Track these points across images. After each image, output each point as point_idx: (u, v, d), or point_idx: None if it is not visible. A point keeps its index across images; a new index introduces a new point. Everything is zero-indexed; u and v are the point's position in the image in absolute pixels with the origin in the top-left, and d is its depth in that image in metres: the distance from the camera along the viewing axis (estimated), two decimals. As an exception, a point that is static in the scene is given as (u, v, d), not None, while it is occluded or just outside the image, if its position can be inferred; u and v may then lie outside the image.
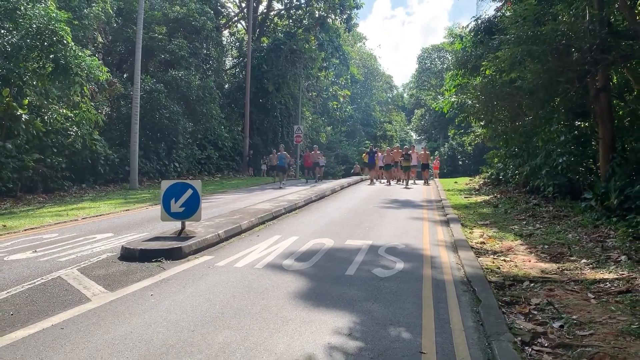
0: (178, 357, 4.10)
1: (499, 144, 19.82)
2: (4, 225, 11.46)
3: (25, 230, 10.97)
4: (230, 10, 44.48)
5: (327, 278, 6.78)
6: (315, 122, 52.32)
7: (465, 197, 18.81)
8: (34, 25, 17.17)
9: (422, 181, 27.85)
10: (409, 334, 4.74)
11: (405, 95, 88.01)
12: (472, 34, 18.49)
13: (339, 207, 15.39)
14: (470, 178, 31.03)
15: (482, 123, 18.51)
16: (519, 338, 4.66)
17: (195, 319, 5.02)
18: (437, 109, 24.07)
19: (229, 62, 44.84)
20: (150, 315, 5.14)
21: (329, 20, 43.50)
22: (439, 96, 47.78)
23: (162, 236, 8.65)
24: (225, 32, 43.91)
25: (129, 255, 7.61)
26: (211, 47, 34.38)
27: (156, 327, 4.80)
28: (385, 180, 27.66)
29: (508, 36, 12.91)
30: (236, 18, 44.73)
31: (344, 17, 44.59)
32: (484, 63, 14.96)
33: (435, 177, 35.02)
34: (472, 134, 40.69)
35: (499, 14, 17.08)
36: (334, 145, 55.28)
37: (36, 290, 6.00)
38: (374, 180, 27.53)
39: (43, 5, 17.58)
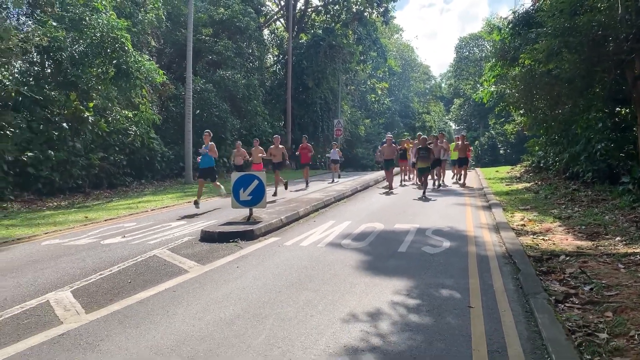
0: (273, 309, 5.15)
1: (538, 132, 20.26)
2: (86, 217, 12.89)
3: (105, 220, 12.34)
4: (269, 8, 45.70)
5: (382, 254, 7.73)
6: (354, 115, 53.09)
7: (506, 185, 19.38)
8: (98, 34, 18.69)
9: (453, 180, 20.87)
10: (458, 294, 5.66)
11: (443, 85, 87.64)
12: (510, 26, 18.94)
13: (383, 196, 16.29)
14: (511, 167, 31.28)
15: (521, 112, 19.01)
16: (553, 297, 5.50)
17: (279, 284, 6.07)
18: (476, 99, 24.54)
19: (269, 59, 46.05)
20: (241, 281, 6.23)
21: (366, 14, 44.12)
22: (478, 85, 47.84)
23: (233, 221, 9.80)
24: (265, 31, 45.16)
25: (208, 237, 8.77)
26: (254, 46, 35.64)
27: (248, 289, 5.87)
28: (411, 181, 21.06)
29: (545, 28, 13.46)
30: (276, 16, 45.86)
31: (381, 10, 45.10)
32: (522, 55, 15.48)
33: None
34: (513, 122, 40.70)
35: (536, 5, 17.48)
36: (372, 137, 55.93)
37: (140, 265, 7.19)
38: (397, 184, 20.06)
39: (105, 15, 19.05)
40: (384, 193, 17.28)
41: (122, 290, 5.94)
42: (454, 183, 20.37)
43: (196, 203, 13.25)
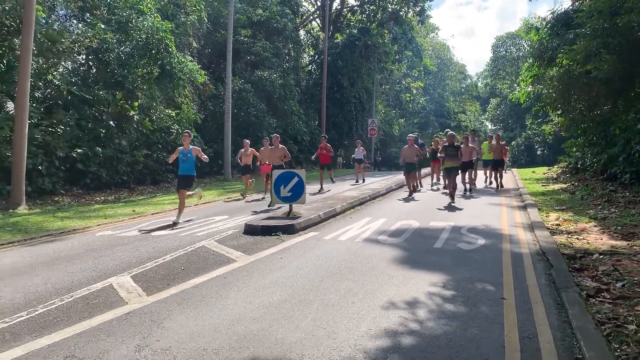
0: (316, 296, 5.55)
1: (576, 133, 20.09)
2: (134, 210, 13.59)
3: (152, 214, 13.00)
4: (305, 9, 46.23)
5: (418, 249, 8.04)
6: (388, 114, 53.18)
7: (542, 185, 19.30)
8: (143, 36, 19.49)
9: (487, 183, 19.28)
10: (492, 287, 5.94)
11: (479, 84, 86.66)
12: (548, 26, 18.90)
13: (418, 195, 16.51)
14: (548, 168, 30.93)
15: (559, 112, 18.93)
16: (585, 292, 5.71)
17: (320, 274, 6.47)
18: (513, 99, 24.44)
19: (304, 59, 46.59)
20: (285, 271, 6.65)
21: (402, 14, 44.15)
22: (515, 85, 47.22)
23: (274, 216, 10.27)
24: (301, 31, 45.71)
25: (251, 230, 9.25)
26: (290, 46, 36.22)
27: (293, 278, 6.29)
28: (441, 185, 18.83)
29: (584, 29, 13.49)
30: (312, 17, 46.36)
31: (417, 9, 45.08)
32: (560, 55, 15.49)
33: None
34: (551, 122, 40.12)
35: (575, 5, 17.40)
36: (406, 137, 55.94)
37: (191, 254, 7.71)
38: (418, 186, 17.77)
39: (150, 17, 19.84)
40: (402, 199, 15.39)
41: (177, 276, 6.44)
42: (488, 186, 18.71)
43: (175, 224, 10.72)
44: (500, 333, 4.51)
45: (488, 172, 19.13)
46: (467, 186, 16.65)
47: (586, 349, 4.03)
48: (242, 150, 16.34)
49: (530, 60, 21.43)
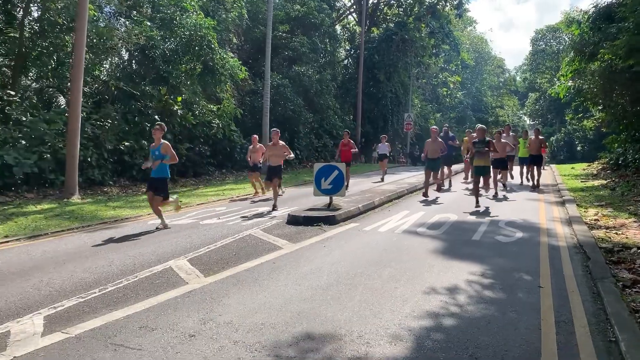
0: (361, 280, 5.92)
1: (617, 128, 19.79)
2: (180, 201, 14.21)
3: (198, 205, 13.60)
4: (341, 3, 46.38)
5: (457, 241, 8.30)
6: (424, 109, 52.94)
7: (581, 182, 19.13)
8: (187, 33, 20.15)
9: (523, 180, 17.88)
10: (529, 277, 6.18)
11: (518, 78, 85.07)
12: (589, 20, 18.65)
13: (456, 188, 16.66)
14: (588, 164, 30.39)
15: (600, 108, 18.70)
16: (621, 283, 5.89)
17: (363, 261, 6.83)
18: (552, 94, 24.16)
19: (340, 53, 46.80)
20: (329, 257, 7.05)
21: (439, 7, 43.82)
22: (554, 79, 46.33)
23: (315, 208, 10.68)
24: (337, 26, 45.92)
25: (294, 220, 9.68)
26: (326, 41, 36.51)
27: (337, 264, 6.67)
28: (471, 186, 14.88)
29: (627, 24, 13.36)
30: (348, 11, 46.51)
31: (455, 2, 44.70)
32: (602, 50, 15.35)
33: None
34: (592, 118, 39.29)
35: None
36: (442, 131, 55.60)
37: (240, 241, 8.18)
38: (440, 185, 15.70)
39: (194, 14, 20.48)
40: (422, 201, 13.73)
41: (230, 260, 6.91)
42: (523, 184, 17.38)
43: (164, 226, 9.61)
44: (537, 317, 4.78)
45: (525, 169, 17.63)
46: (500, 185, 15.05)
47: (619, 332, 4.27)
48: (250, 146, 15.19)
49: (571, 55, 21.15)
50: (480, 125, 13.50)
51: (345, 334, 4.31)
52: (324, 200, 11.21)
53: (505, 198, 14.30)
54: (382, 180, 19.11)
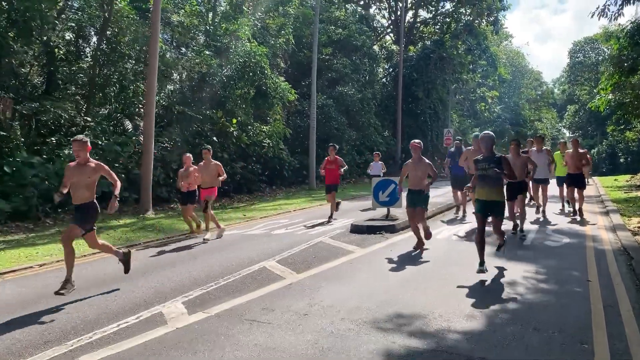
0: (432, 276, 6.94)
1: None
2: (244, 215, 15.51)
3: (261, 218, 14.82)
4: (378, 23, 47.71)
5: (509, 246, 9.17)
6: (463, 124, 53.47)
7: (625, 193, 19.57)
8: (241, 60, 21.69)
9: (565, 210, 14.18)
10: (578, 273, 7.07)
11: (556, 90, 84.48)
12: (628, 35, 19.22)
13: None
14: (631, 175, 30.45)
15: (641, 120, 19.17)
16: (662, 278, 6.73)
17: (428, 262, 7.83)
18: (592, 107, 24.58)
19: (379, 72, 47.99)
20: (398, 259, 8.10)
21: (476, 24, 44.60)
22: (594, 91, 46.20)
23: (374, 218, 11.74)
24: (375, 46, 47.20)
25: (357, 229, 10.77)
26: (366, 61, 37.78)
27: (406, 263, 7.71)
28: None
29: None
30: (385, 31, 47.78)
31: (491, 19, 45.45)
32: (641, 65, 15.98)
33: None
34: (634, 129, 39.11)
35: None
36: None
37: (314, 247, 9.31)
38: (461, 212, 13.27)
39: (248, 43, 22.02)
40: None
41: (312, 262, 8.02)
42: (566, 214, 13.51)
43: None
44: (587, 303, 5.70)
45: (565, 192, 13.42)
46: (517, 223, 10.39)
47: (658, 312, 5.16)
48: (181, 169, 11.75)
49: (610, 69, 21.68)
50: (486, 133, 7.40)
51: (429, 314, 5.34)
52: (379, 212, 12.24)
53: (522, 239, 9.91)
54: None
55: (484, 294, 6.10)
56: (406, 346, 4.47)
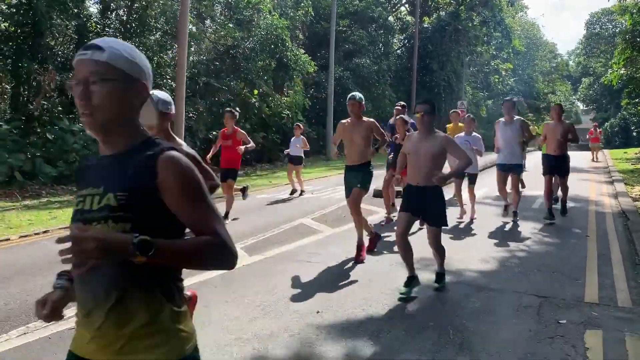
0: (445, 232, 7.96)
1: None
2: (270, 182, 16.62)
3: (286, 184, 15.84)
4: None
5: (519, 209, 10.18)
6: (476, 96, 53.77)
7: (632, 164, 20.37)
8: (263, 32, 22.45)
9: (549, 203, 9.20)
10: (579, 230, 8.07)
11: (570, 62, 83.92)
12: (641, 11, 19.70)
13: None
14: (641, 148, 31.07)
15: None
16: (652, 235, 7.70)
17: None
18: (605, 82, 25.12)
19: (394, 44, 48.24)
20: (419, 218, 9.10)
21: (491, -4, 44.57)
22: (609, 65, 46.26)
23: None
24: (390, 17, 47.35)
25: (380, 194, 11.76)
26: (381, 32, 38.20)
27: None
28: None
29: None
30: (401, 1, 47.85)
31: (507, -10, 45.43)
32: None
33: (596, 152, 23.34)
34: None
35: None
36: (494, 118, 56.14)
37: (342, 208, 10.32)
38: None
39: (270, 15, 22.74)
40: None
41: (343, 219, 9.07)
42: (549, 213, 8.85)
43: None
44: (584, 252, 6.72)
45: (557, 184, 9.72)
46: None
47: (643, 258, 6.17)
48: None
49: (623, 44, 22.18)
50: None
51: (448, 260, 6.36)
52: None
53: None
54: (298, 193, 12.63)
55: (496, 245, 7.12)
56: (431, 279, 5.51)
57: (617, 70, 23.14)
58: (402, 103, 9.79)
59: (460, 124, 10.64)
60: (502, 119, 8.88)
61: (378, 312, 4.63)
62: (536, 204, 10.82)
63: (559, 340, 3.99)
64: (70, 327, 4.39)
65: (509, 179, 8.76)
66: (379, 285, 5.37)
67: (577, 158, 24.10)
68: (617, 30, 62.31)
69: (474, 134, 9.17)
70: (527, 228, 8.23)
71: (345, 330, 4.23)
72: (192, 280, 5.33)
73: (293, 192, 12.82)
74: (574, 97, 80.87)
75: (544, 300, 4.88)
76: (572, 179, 15.79)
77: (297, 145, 13.10)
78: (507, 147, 8.53)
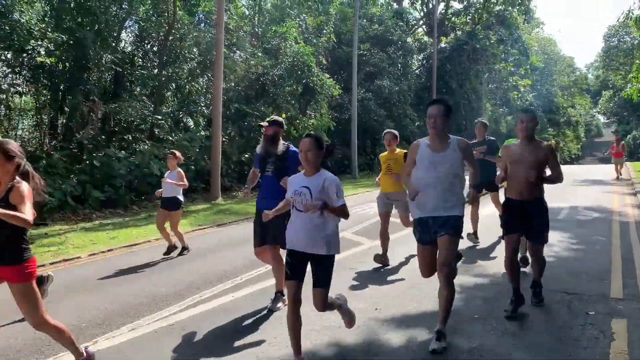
0: (485, 239, 8.64)
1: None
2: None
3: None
4: (412, 16, 48.86)
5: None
6: (495, 112, 54.29)
7: (655, 176, 20.76)
8: (290, 60, 23.53)
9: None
10: (603, 238, 8.69)
11: (589, 76, 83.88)
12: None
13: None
14: (665, 160, 31.21)
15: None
16: (673, 241, 8.29)
17: (483, 230, 9.54)
18: (625, 96, 25.56)
19: (413, 64, 49.20)
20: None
21: (507, 14, 45.38)
22: (628, 76, 46.42)
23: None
24: (408, 39, 48.40)
25: (412, 209, 12.50)
26: (400, 53, 39.19)
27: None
28: None
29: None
30: (417, 24, 48.92)
31: (523, 8, 46.21)
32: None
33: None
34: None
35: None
36: (514, 134, 56.46)
37: (376, 223, 11.08)
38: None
39: (295, 43, 23.85)
40: None
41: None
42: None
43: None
44: (609, 256, 7.36)
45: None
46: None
47: (663, 260, 6.79)
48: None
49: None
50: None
51: (485, 264, 7.06)
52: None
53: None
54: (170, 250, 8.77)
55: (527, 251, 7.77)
56: (471, 281, 6.21)
57: (636, 84, 23.61)
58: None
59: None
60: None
61: (429, 308, 5.35)
62: (561, 214, 11.42)
63: (589, 327, 4.68)
64: (179, 320, 5.23)
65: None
66: (426, 286, 6.09)
67: (599, 171, 24.56)
68: (635, 43, 62.51)
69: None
70: (554, 237, 8.85)
71: (403, 323, 4.97)
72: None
73: (170, 250, 8.68)
74: (594, 110, 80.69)
75: (574, 297, 5.56)
76: (596, 191, 16.38)
77: (170, 181, 8.66)
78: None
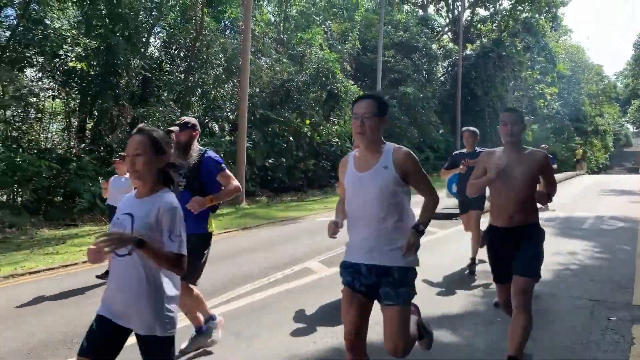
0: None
1: None
2: (326, 207, 17.55)
3: (341, 208, 16.83)
4: (437, 23, 48.81)
5: (570, 228, 10.78)
6: (521, 120, 53.68)
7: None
8: (315, 66, 23.79)
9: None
10: (627, 247, 8.65)
11: (619, 84, 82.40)
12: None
13: (561, 193, 18.74)
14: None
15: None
16: (700, 251, 8.21)
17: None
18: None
19: (438, 71, 49.07)
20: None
21: (534, 22, 45.00)
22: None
23: (447, 207, 13.48)
24: (433, 45, 48.32)
25: (434, 216, 12.55)
26: (424, 60, 39.17)
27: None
28: None
29: None
30: (443, 31, 48.85)
31: (550, 15, 45.80)
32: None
33: None
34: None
35: None
36: (540, 142, 55.70)
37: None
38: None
39: (320, 50, 24.11)
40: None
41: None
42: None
43: None
44: (632, 265, 7.34)
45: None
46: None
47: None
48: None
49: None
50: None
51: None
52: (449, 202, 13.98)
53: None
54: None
55: (551, 259, 7.78)
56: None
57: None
58: None
59: None
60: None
61: (452, 311, 5.46)
62: (586, 224, 11.36)
63: (610, 332, 4.73)
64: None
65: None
66: (448, 289, 6.20)
67: (627, 181, 24.20)
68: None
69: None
70: (579, 245, 8.86)
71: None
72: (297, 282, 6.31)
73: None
74: (623, 119, 79.22)
75: (596, 303, 5.60)
76: (622, 201, 16.18)
77: (119, 190, 7.34)
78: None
